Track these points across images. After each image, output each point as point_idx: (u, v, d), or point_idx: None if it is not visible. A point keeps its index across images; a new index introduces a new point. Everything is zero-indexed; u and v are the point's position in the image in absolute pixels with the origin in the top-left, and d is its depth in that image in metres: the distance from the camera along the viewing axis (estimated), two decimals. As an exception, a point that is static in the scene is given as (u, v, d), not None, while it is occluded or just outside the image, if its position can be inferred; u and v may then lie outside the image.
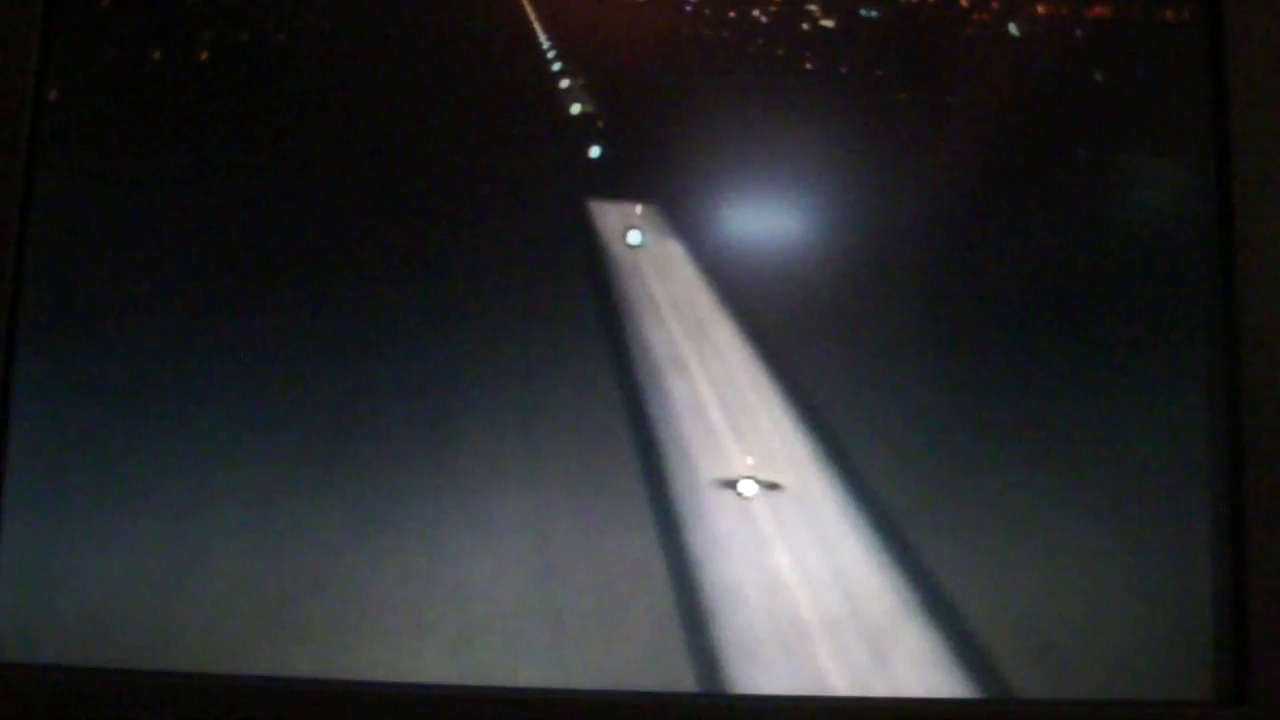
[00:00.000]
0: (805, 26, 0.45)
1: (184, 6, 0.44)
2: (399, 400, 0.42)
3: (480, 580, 0.41)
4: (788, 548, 0.41)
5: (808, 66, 0.44)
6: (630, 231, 0.43)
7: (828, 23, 0.45)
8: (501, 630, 0.40)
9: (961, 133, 0.44)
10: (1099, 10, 0.45)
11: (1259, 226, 0.42)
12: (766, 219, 0.44)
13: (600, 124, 0.44)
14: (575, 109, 0.44)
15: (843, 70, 0.44)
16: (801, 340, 0.43)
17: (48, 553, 0.41)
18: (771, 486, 0.42)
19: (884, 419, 0.42)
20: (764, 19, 0.45)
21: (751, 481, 0.42)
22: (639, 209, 0.43)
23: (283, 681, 0.40)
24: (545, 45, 0.45)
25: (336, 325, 0.42)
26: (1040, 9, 0.45)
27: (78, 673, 0.40)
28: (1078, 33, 0.45)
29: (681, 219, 0.43)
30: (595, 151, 0.44)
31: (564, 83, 0.44)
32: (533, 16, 0.45)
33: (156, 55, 0.44)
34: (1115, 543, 0.41)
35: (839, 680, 0.40)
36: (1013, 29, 0.45)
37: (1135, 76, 0.44)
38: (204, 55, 0.44)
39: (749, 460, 0.42)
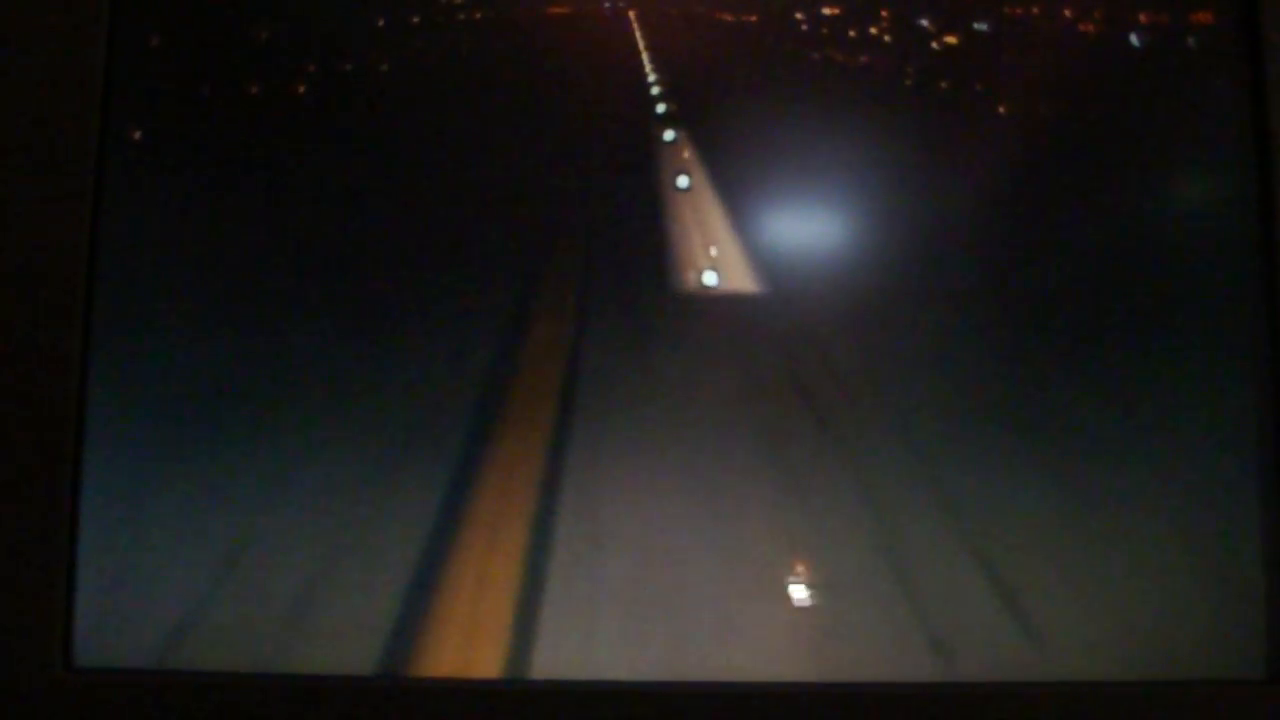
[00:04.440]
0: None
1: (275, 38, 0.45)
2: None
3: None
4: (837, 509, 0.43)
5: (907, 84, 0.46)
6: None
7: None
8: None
9: (1015, 139, 0.45)
10: (1138, 15, 0.45)
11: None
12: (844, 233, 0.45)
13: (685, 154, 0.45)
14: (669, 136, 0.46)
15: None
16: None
17: (123, 558, 0.42)
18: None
19: (950, 414, 0.43)
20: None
21: None
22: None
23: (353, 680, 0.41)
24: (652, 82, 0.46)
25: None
26: (1076, 13, 0.46)
27: (154, 676, 0.41)
28: (1117, 38, 0.46)
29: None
30: (683, 182, 0.45)
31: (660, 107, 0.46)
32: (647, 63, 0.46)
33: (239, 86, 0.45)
34: (1163, 524, 0.42)
35: (903, 661, 0.41)
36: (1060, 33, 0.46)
37: (1174, 79, 0.45)
38: (301, 88, 0.45)
39: None
